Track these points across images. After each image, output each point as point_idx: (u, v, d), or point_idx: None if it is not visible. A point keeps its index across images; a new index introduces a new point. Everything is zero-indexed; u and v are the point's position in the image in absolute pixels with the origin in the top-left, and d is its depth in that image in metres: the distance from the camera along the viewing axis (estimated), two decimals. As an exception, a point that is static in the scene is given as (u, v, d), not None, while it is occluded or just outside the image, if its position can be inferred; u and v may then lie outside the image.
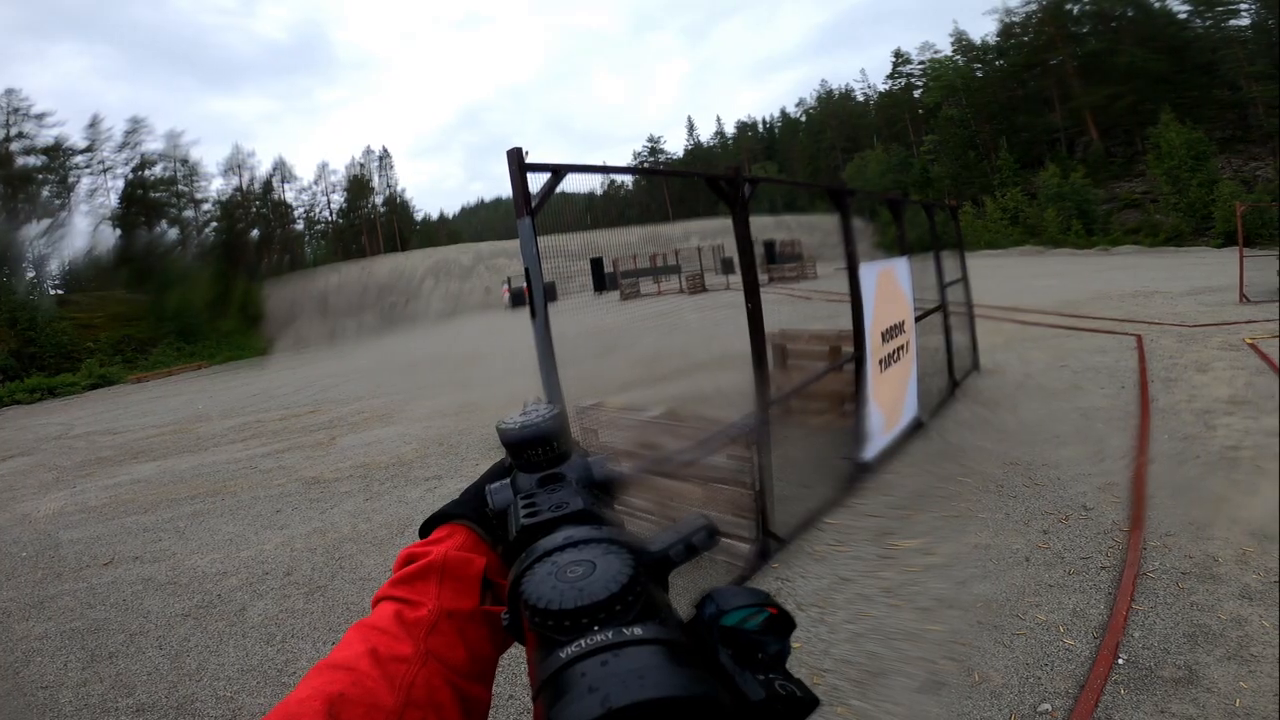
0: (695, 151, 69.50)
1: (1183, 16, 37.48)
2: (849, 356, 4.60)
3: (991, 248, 33.46)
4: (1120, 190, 33.91)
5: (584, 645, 0.30)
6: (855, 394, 4.62)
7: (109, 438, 11.54)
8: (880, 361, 4.78)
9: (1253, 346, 7.25)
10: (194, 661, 3.38)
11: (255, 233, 46.28)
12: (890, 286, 5.01)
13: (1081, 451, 4.81)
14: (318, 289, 39.57)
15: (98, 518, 6.32)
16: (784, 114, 65.37)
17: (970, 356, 7.36)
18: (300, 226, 50.64)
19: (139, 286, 34.47)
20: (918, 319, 6.32)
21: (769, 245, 29.11)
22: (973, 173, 41.66)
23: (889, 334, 4.92)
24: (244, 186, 46.08)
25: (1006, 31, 43.83)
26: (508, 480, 0.51)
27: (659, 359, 9.26)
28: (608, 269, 27.17)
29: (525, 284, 2.67)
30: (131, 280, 35.00)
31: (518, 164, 2.56)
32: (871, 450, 4.75)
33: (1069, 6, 40.49)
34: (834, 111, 58.44)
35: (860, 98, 58.07)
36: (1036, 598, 3.01)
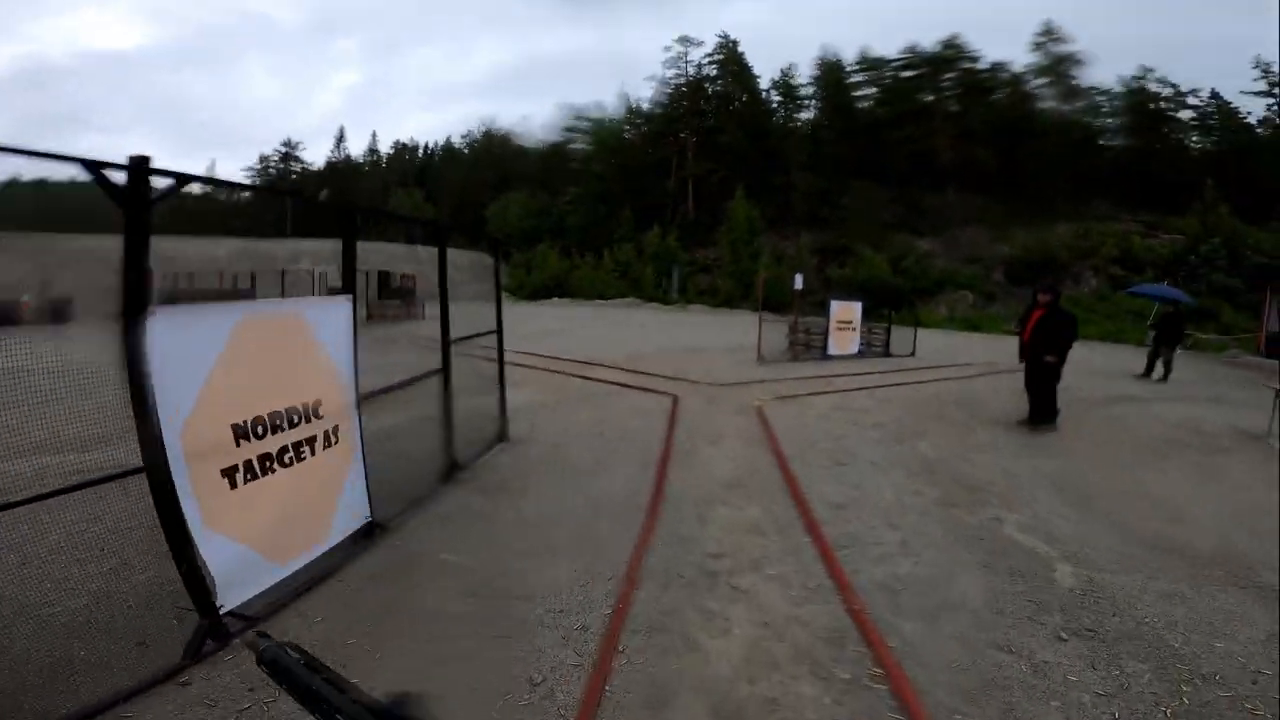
0: (341, 166, 62.32)
1: (774, 105, 45.47)
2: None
3: (603, 298, 36.67)
4: (699, 255, 40.84)
5: None
6: (168, 525, 2.48)
7: None
8: (241, 468, 2.76)
9: (758, 412, 7.71)
10: None
11: None
12: (279, 345, 3.08)
13: (572, 571, 3.62)
14: None
15: None
16: (448, 143, 62.52)
17: (498, 424, 6.03)
18: None
19: None
20: (409, 383, 4.63)
21: (383, 277, 25.81)
22: (601, 227, 45.39)
23: (268, 426, 2.95)
24: None
25: (659, 99, 47.91)
26: None
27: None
28: (160, 284, 20.24)
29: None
30: None
31: None
32: (240, 595, 2.70)
33: (706, 86, 46.42)
34: (493, 149, 58.19)
35: (524, 142, 58.96)
36: None
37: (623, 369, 10.40)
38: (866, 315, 13.95)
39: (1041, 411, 7.38)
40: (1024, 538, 4.24)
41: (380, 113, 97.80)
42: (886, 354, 14.03)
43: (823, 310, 13.30)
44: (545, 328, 19.44)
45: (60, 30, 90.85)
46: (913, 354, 14.30)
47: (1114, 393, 10.33)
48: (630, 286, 37.82)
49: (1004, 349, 19.56)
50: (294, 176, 62.76)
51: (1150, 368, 12.45)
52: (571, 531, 4.18)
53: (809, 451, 6.06)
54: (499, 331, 6.01)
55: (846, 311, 12.95)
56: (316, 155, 66.30)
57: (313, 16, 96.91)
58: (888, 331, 14.18)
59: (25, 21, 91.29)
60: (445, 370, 4.81)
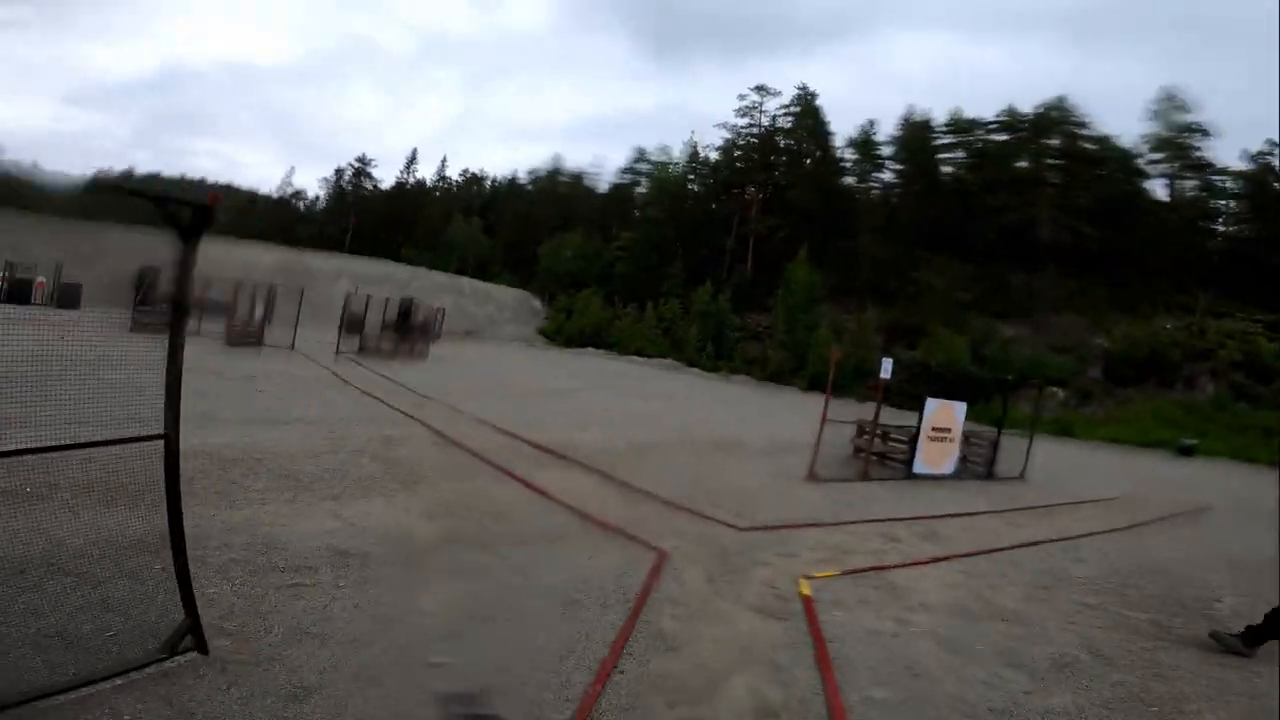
0: (410, 187, 63.71)
1: (847, 164, 41.84)
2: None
3: (641, 354, 33.41)
4: (751, 321, 37.00)
5: None
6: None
7: None
8: None
9: (807, 605, 4.19)
10: None
11: None
12: None
13: None
14: None
15: None
16: (513, 179, 62.59)
17: (169, 612, 2.69)
18: None
19: None
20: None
21: (405, 307, 23.09)
22: (649, 277, 42.61)
23: None
24: None
25: (728, 148, 45.70)
26: None
27: None
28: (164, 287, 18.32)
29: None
30: None
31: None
32: None
33: (778, 139, 43.97)
34: (557, 188, 57.14)
35: (590, 184, 57.73)
36: None
37: (604, 474, 6.99)
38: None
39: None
40: None
41: (465, 142, 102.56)
42: (989, 475, 10.12)
43: (888, 400, 9.68)
44: (555, 386, 16.33)
45: (194, 36, 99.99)
46: (1022, 476, 10.39)
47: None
48: (671, 346, 34.47)
49: (1130, 468, 15.28)
50: (364, 193, 65.07)
51: None
52: None
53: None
54: (169, 436, 2.45)
55: (946, 414, 9.15)
56: (392, 174, 67.94)
57: (418, 46, 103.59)
58: (994, 445, 10.24)
59: (166, 22, 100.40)
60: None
